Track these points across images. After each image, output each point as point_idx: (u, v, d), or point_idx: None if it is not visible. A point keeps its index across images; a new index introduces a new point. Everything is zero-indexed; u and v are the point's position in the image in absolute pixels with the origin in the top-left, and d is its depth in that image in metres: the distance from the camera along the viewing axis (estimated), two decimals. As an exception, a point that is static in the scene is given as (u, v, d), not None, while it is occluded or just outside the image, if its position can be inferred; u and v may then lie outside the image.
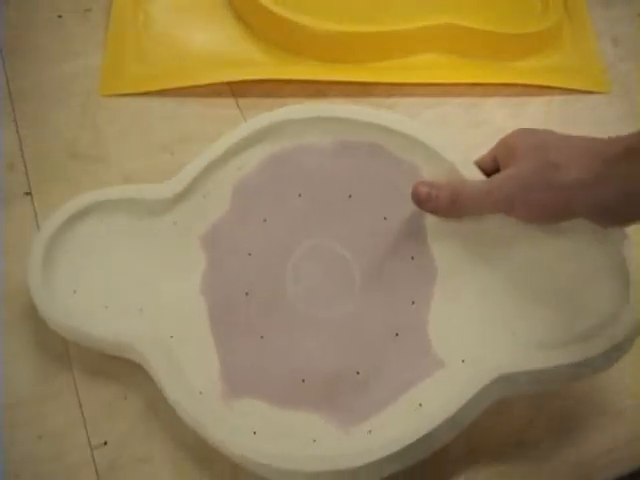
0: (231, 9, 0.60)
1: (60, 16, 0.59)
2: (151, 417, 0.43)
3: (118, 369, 0.44)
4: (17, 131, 0.53)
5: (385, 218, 0.44)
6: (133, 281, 0.44)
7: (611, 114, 0.58)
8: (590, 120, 0.58)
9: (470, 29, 0.58)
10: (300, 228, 0.44)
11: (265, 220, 0.44)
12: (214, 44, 0.59)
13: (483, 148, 0.55)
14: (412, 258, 0.43)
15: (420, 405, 0.39)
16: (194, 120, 0.55)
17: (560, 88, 0.59)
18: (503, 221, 0.41)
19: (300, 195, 0.45)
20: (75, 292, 0.44)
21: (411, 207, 0.43)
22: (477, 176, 0.43)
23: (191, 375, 0.41)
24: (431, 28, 0.58)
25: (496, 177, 0.40)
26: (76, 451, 0.42)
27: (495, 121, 0.57)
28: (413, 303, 0.42)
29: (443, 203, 0.41)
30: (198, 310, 0.43)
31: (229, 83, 0.56)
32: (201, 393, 0.40)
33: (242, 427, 0.39)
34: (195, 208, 0.45)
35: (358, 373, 0.41)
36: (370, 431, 0.39)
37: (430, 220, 0.43)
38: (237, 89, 0.56)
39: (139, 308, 0.43)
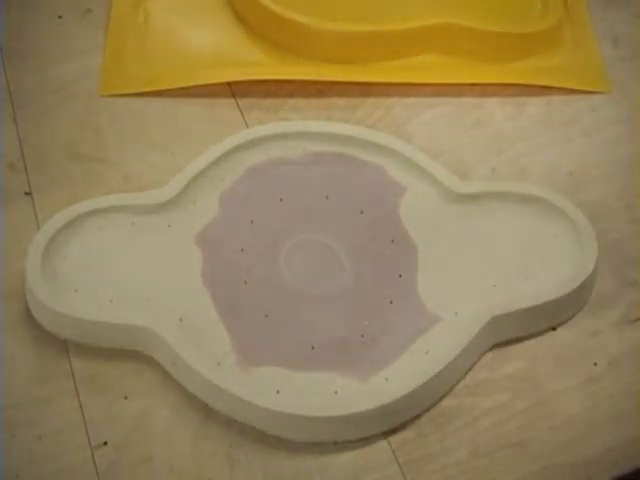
0: (231, 9, 0.60)
1: (60, 16, 0.59)
2: (151, 417, 0.43)
3: (118, 369, 0.44)
4: (17, 131, 0.53)
5: (362, 212, 0.50)
6: (134, 277, 0.46)
7: (611, 114, 0.58)
8: (590, 120, 0.58)
9: (470, 29, 0.58)
10: (286, 227, 0.49)
11: (252, 222, 0.49)
12: (214, 44, 0.59)
13: (482, 148, 0.55)
14: (392, 241, 0.49)
15: (427, 352, 0.44)
16: (194, 120, 0.55)
17: (560, 88, 0.59)
18: (471, 207, 0.50)
19: (281, 200, 0.50)
20: (76, 291, 0.45)
21: (383, 201, 0.50)
22: (430, 164, 0.51)
23: (205, 350, 0.43)
24: (431, 28, 0.58)
25: None
26: (76, 451, 0.42)
27: (495, 121, 0.57)
28: (400, 276, 0.48)
29: None
30: (201, 297, 0.46)
31: (229, 83, 0.56)
32: (219, 364, 0.43)
33: (265, 388, 0.43)
34: (186, 213, 0.49)
35: (362, 336, 0.45)
36: (387, 379, 0.44)
37: (403, 208, 0.50)
38: (237, 89, 0.56)
39: (145, 298, 0.45)
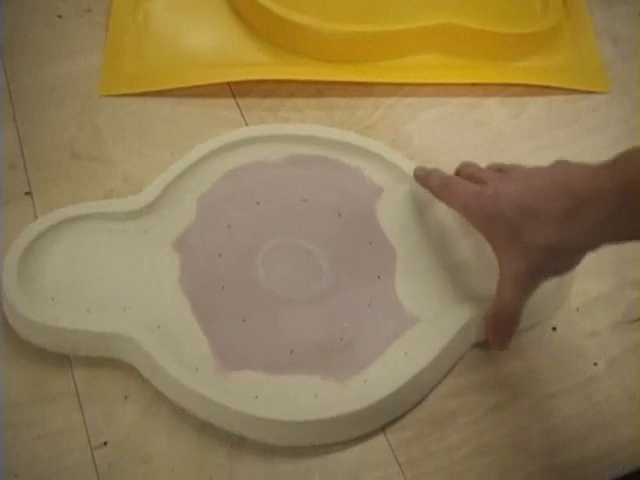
0: (231, 9, 0.60)
1: (60, 16, 0.59)
2: (151, 417, 0.43)
3: (118, 369, 0.44)
4: (17, 131, 0.53)
5: (339, 214, 0.49)
6: (112, 285, 0.46)
7: (611, 114, 0.58)
8: (590, 120, 0.58)
9: (470, 29, 0.58)
10: (263, 230, 0.49)
11: (229, 226, 0.48)
12: (214, 44, 0.59)
13: (483, 148, 0.55)
14: (370, 243, 0.49)
15: (405, 354, 0.44)
16: (193, 120, 0.55)
17: (560, 88, 0.59)
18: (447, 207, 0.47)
19: (259, 203, 0.50)
20: (53, 299, 0.45)
21: (361, 203, 0.50)
22: (408, 164, 0.50)
23: (183, 356, 0.43)
24: (431, 28, 0.58)
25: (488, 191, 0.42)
26: (76, 451, 0.42)
27: (495, 121, 0.57)
28: (379, 277, 0.47)
29: (434, 183, 0.47)
30: (179, 303, 0.45)
31: (229, 83, 0.56)
32: (197, 369, 0.43)
33: (243, 392, 0.42)
34: (164, 218, 0.48)
35: (341, 339, 0.45)
36: (365, 381, 0.43)
37: (380, 212, 0.50)
38: (237, 89, 0.56)
39: (122, 307, 0.45)
